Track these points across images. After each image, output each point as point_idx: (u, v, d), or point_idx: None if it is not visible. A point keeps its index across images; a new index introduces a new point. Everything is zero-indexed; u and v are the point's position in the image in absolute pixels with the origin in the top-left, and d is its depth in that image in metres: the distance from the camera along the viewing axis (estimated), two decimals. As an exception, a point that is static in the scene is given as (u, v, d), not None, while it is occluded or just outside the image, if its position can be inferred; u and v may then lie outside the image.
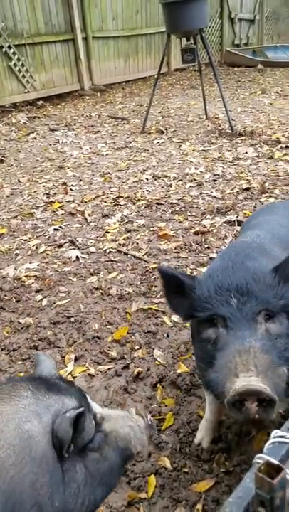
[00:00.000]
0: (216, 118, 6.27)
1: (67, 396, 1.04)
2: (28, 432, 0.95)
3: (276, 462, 0.70)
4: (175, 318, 2.35)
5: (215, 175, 4.26)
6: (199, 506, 1.45)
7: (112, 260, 2.98)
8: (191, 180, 4.19)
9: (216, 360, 1.20)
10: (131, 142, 5.60)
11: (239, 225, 3.15)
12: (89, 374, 2.05)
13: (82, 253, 3.11)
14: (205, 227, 3.27)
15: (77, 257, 3.06)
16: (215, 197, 3.79)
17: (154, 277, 2.73)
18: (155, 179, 4.33)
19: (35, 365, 1.19)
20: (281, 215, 1.92)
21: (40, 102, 7.95)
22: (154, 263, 2.87)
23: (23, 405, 0.98)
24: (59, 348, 2.22)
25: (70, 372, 2.04)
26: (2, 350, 2.24)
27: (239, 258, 1.36)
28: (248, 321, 1.20)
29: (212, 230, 3.22)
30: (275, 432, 0.83)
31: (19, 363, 2.15)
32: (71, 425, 0.95)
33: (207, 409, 1.65)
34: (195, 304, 1.28)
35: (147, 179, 4.33)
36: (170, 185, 4.13)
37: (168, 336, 2.25)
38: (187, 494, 1.50)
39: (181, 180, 4.24)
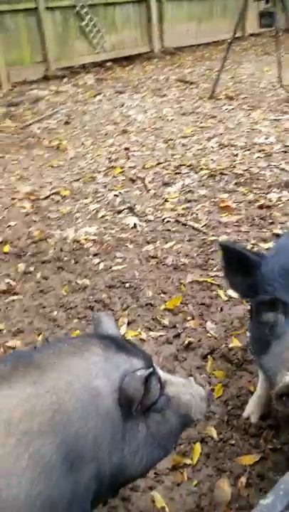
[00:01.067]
0: (290, 86, 5.88)
1: (135, 357, 1.07)
2: (96, 389, 0.98)
3: None
4: (231, 292, 2.30)
5: (286, 146, 4.02)
6: (243, 479, 1.44)
7: (169, 230, 2.95)
8: (260, 151, 3.99)
9: (271, 347, 1.15)
10: (198, 108, 5.42)
11: (307, 201, 2.98)
12: (141, 339, 2.07)
13: (140, 220, 3.10)
14: (271, 201, 3.13)
15: (134, 224, 3.06)
16: (284, 169, 3.59)
17: (211, 250, 2.67)
18: (221, 148, 4.17)
19: (96, 324, 1.20)
20: None
21: (109, 64, 7.86)
22: (213, 235, 2.81)
23: (93, 362, 1.02)
24: (113, 311, 2.26)
25: (123, 335, 2.08)
26: (60, 307, 2.32)
27: None
28: None
29: (278, 205, 3.07)
30: None
31: (75, 320, 2.22)
32: (142, 384, 0.98)
33: (259, 385, 1.63)
34: (257, 284, 1.21)
35: (212, 147, 4.19)
36: (236, 155, 3.96)
37: (222, 309, 2.22)
38: (232, 466, 1.50)
39: (248, 149, 4.06)
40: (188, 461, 1.53)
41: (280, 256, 1.23)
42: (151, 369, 1.01)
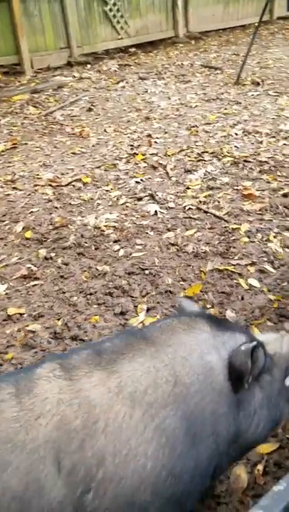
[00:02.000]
0: None
1: (237, 333, 1.12)
2: (209, 364, 1.03)
3: None
4: (252, 281, 2.26)
5: (312, 133, 3.92)
6: (260, 467, 1.44)
7: (190, 217, 2.92)
8: (286, 138, 3.90)
9: None
10: (223, 94, 5.31)
11: None
12: (159, 326, 2.06)
13: (160, 208, 3.08)
14: (295, 189, 3.06)
15: (155, 211, 3.04)
16: None
17: (233, 238, 2.64)
18: (245, 134, 4.09)
19: (179, 309, 1.26)
20: None
21: (133, 49, 7.77)
22: (235, 224, 2.77)
23: (203, 338, 1.07)
24: (132, 297, 2.26)
25: (142, 321, 2.08)
26: (80, 292, 2.34)
27: None
28: None
29: (302, 193, 3.00)
30: None
31: (95, 306, 2.23)
32: (249, 357, 1.02)
33: None
34: None
35: (236, 134, 4.11)
36: (261, 142, 3.88)
37: (242, 298, 2.19)
38: (249, 453, 1.48)
39: (274, 137, 3.96)
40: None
41: None
42: (255, 342, 1.05)
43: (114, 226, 2.92)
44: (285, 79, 5.62)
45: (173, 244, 2.65)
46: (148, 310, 2.17)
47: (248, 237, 2.64)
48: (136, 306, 2.19)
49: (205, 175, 3.45)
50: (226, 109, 4.81)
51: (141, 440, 0.92)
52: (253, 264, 2.42)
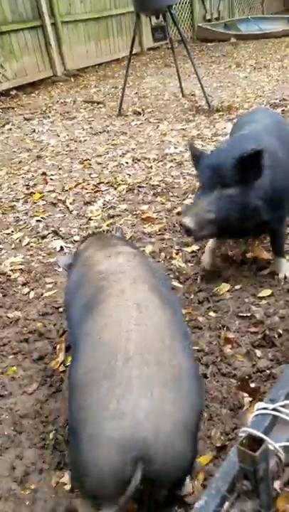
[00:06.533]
0: (192, 95, 6.20)
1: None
2: None
3: (258, 434, 0.71)
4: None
5: (194, 153, 4.23)
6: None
7: (96, 247, 2.96)
8: (171, 161, 4.16)
9: None
10: (108, 126, 5.52)
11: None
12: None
13: (66, 242, 3.09)
14: (187, 206, 3.26)
15: (61, 247, 3.04)
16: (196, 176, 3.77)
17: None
18: (135, 162, 4.29)
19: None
20: (262, 117, 2.50)
21: (14, 92, 7.77)
22: (140, 246, 2.86)
23: None
24: (49, 339, 2.22)
25: (62, 362, 2.05)
26: (-8, 345, 2.23)
27: (227, 145, 2.13)
28: (209, 188, 2.01)
29: (195, 209, 3.21)
30: (258, 404, 0.84)
31: (10, 357, 2.15)
32: None
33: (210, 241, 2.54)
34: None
35: (127, 162, 4.29)
36: (150, 167, 4.09)
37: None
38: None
39: (161, 161, 4.21)
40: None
41: (208, 156, 2.11)
42: None
43: (20, 269, 2.86)
44: (163, 106, 6.02)
45: (83, 278, 2.66)
46: (67, 349, 2.14)
47: (153, 257, 2.75)
48: (54, 348, 2.15)
49: (104, 204, 3.54)
50: (113, 140, 5.01)
51: None
52: (161, 283, 2.52)
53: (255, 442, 0.70)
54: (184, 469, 1.08)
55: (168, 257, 2.74)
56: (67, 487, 1.51)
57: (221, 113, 5.23)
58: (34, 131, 5.76)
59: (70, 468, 1.26)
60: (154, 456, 0.98)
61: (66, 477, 1.54)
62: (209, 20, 12.20)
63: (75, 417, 1.10)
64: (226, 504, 0.68)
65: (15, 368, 2.06)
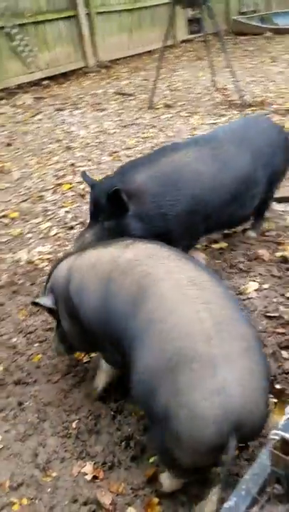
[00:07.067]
0: (224, 89, 6.10)
1: None
2: None
3: (292, 439, 0.70)
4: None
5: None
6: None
7: (123, 240, 2.96)
8: (201, 155, 4.10)
9: None
10: (138, 119, 5.50)
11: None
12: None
13: (93, 234, 3.09)
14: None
15: (88, 238, 3.05)
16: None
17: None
18: (164, 156, 4.25)
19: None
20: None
21: (46, 82, 7.83)
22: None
23: None
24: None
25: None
26: (19, 332, 2.27)
27: (114, 175, 2.23)
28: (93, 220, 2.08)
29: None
30: (290, 408, 0.82)
31: (36, 345, 2.18)
32: None
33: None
34: None
35: (156, 156, 4.26)
36: (179, 162, 4.05)
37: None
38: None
39: (190, 155, 4.15)
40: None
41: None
42: None
43: (48, 258, 2.89)
44: (194, 99, 5.95)
45: (109, 270, 2.67)
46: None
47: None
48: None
49: (131, 198, 3.53)
50: (143, 133, 4.98)
51: None
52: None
53: (288, 446, 0.68)
54: (264, 420, 1.23)
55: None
56: (89, 477, 1.53)
57: (253, 108, 5.13)
58: (64, 122, 5.79)
59: (159, 451, 1.37)
60: (245, 423, 1.12)
61: (88, 467, 1.56)
62: (245, 13, 11.96)
63: (163, 401, 1.17)
64: (256, 506, 0.66)
65: (40, 355, 2.09)
